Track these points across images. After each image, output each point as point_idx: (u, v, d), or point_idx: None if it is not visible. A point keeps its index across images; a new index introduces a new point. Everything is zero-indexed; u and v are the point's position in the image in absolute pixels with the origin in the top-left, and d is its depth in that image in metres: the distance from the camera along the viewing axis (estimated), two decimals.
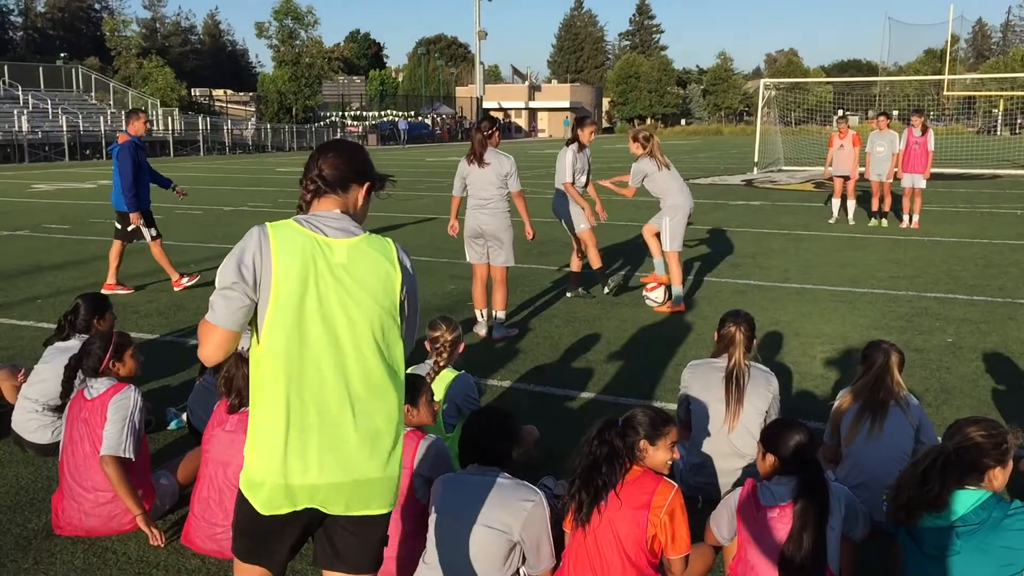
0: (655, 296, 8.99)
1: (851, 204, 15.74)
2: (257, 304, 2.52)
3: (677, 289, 8.88)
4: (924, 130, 14.99)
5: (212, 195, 22.18)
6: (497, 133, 7.91)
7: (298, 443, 2.52)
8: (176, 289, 10.08)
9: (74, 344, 4.97)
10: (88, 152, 40.30)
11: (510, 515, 3.38)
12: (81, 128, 41.99)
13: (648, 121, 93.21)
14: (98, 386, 4.32)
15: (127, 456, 4.15)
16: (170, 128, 47.12)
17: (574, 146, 9.13)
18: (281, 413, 2.52)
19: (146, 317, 8.78)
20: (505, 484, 3.46)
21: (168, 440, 5.46)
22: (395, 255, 2.65)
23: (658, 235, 8.94)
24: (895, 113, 16.16)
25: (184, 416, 5.54)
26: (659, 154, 8.75)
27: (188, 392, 5.57)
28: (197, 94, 67.16)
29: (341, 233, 2.59)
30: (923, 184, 14.98)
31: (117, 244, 10.05)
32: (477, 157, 7.72)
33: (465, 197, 7.98)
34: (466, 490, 3.46)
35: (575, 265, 9.57)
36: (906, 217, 15.17)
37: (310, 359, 2.52)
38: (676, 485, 3.45)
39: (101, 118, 43.59)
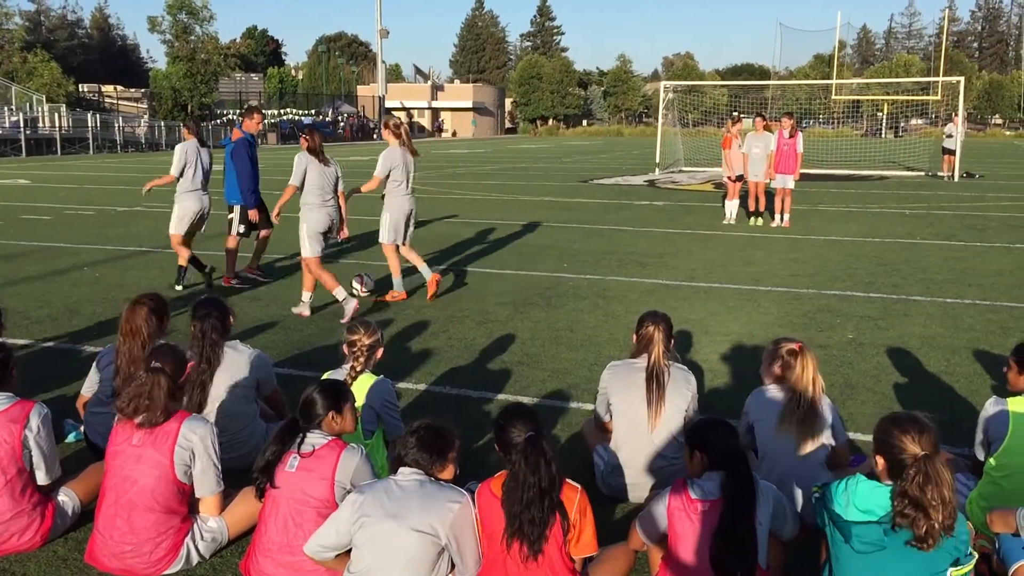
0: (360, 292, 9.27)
1: (735, 204, 16.15)
2: None
3: (397, 280, 9.31)
4: (793, 132, 15.49)
5: (104, 195, 21.30)
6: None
7: None
8: (224, 284, 10.12)
9: None
10: None
11: (436, 517, 3.33)
12: None
13: (551, 121, 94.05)
14: None
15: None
16: (57, 125, 45.21)
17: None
18: None
19: (38, 323, 8.35)
20: (431, 487, 3.40)
21: (66, 453, 5.17)
22: None
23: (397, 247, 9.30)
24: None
25: (82, 428, 5.27)
26: (410, 145, 9.14)
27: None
28: (85, 90, 64.54)
29: None
30: (791, 184, 15.53)
31: (233, 239, 10.31)
32: (323, 155, 8.48)
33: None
34: (394, 495, 3.38)
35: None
36: (778, 216, 15.66)
37: None
38: (579, 486, 3.48)
39: None
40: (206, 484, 3.91)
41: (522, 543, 3.29)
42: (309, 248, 8.54)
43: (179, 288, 9.86)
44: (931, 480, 2.98)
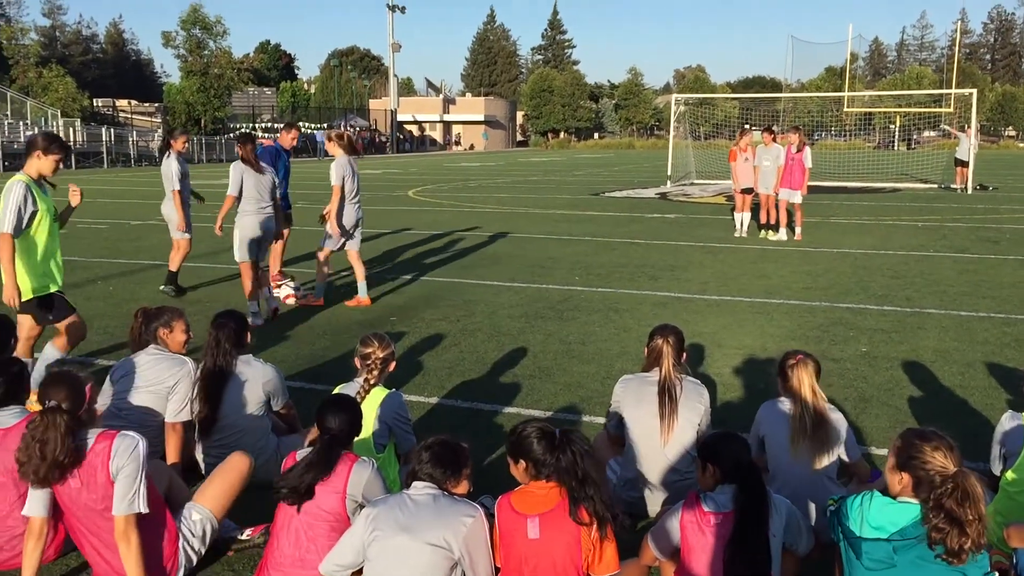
0: (280, 293, 9.76)
1: (746, 216, 16.08)
2: None
3: (321, 286, 9.81)
4: (801, 147, 15.39)
5: (118, 209, 21.46)
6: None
7: None
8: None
9: None
10: None
11: (449, 530, 3.32)
12: None
13: (562, 134, 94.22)
14: (7, 417, 4.03)
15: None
16: (72, 139, 45.47)
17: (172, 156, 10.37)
18: None
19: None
20: (445, 501, 3.40)
21: None
22: None
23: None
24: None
25: None
26: (350, 152, 9.42)
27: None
28: (100, 104, 65.00)
29: None
30: (798, 199, 15.41)
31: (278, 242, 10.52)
32: (257, 164, 8.91)
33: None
34: (407, 509, 3.38)
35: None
36: (783, 229, 15.54)
37: None
38: None
39: None
40: (121, 504, 3.62)
41: (598, 517, 3.35)
42: (239, 253, 8.89)
43: (161, 288, 10.39)
44: (969, 496, 2.94)
